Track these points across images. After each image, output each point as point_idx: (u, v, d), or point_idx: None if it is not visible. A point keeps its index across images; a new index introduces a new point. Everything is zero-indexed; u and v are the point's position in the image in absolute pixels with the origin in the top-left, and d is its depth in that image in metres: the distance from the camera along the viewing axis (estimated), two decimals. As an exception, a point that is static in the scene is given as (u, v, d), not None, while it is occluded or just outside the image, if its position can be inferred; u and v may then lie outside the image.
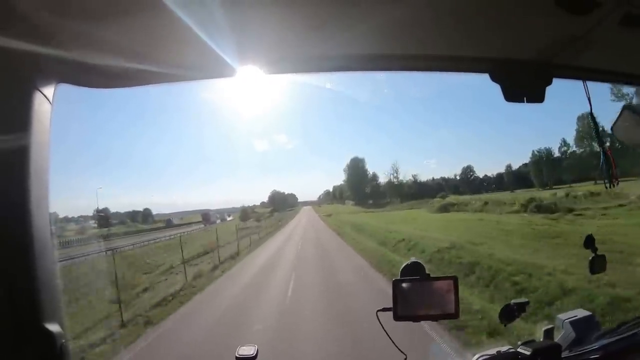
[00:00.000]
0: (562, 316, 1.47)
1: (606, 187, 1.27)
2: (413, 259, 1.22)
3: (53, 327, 0.84)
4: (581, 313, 1.50)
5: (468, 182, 50.18)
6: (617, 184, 1.25)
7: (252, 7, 0.91)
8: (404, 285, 1.18)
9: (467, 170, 52.16)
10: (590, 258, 1.53)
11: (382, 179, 57.53)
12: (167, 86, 1.15)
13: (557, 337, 1.43)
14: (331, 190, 70.97)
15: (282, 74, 1.18)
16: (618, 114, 1.46)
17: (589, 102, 1.27)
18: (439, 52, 1.17)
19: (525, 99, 1.25)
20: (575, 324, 1.43)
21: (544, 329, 1.41)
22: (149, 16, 0.88)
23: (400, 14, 0.97)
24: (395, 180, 55.87)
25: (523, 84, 1.23)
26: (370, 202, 56.29)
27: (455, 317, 1.18)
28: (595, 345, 1.36)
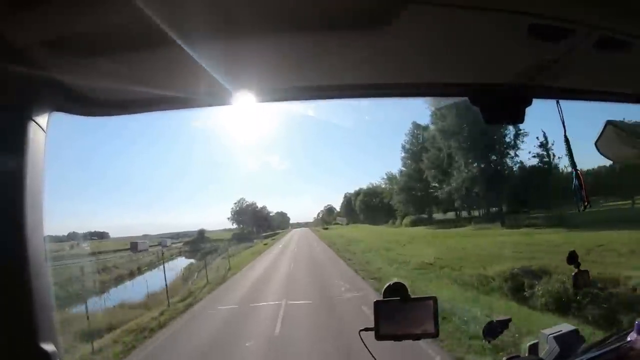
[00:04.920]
0: (546, 331, 1.48)
1: (579, 210, 1.30)
2: (395, 280, 1.25)
3: (48, 347, 0.86)
4: (565, 328, 1.52)
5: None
6: (589, 205, 1.28)
7: (246, 41, 0.95)
8: (386, 306, 1.22)
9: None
10: (573, 274, 1.55)
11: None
12: (160, 114, 1.19)
13: (542, 353, 1.45)
14: (339, 204, 48.21)
15: (274, 102, 1.23)
16: (601, 129, 1.49)
17: (562, 123, 1.31)
18: (419, 79, 1.22)
19: (505, 120, 1.30)
20: (560, 338, 1.45)
21: (528, 344, 1.43)
22: (144, 46, 0.91)
23: (384, 46, 1.02)
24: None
25: (502, 107, 1.27)
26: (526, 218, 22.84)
27: (435, 336, 1.21)
28: None
